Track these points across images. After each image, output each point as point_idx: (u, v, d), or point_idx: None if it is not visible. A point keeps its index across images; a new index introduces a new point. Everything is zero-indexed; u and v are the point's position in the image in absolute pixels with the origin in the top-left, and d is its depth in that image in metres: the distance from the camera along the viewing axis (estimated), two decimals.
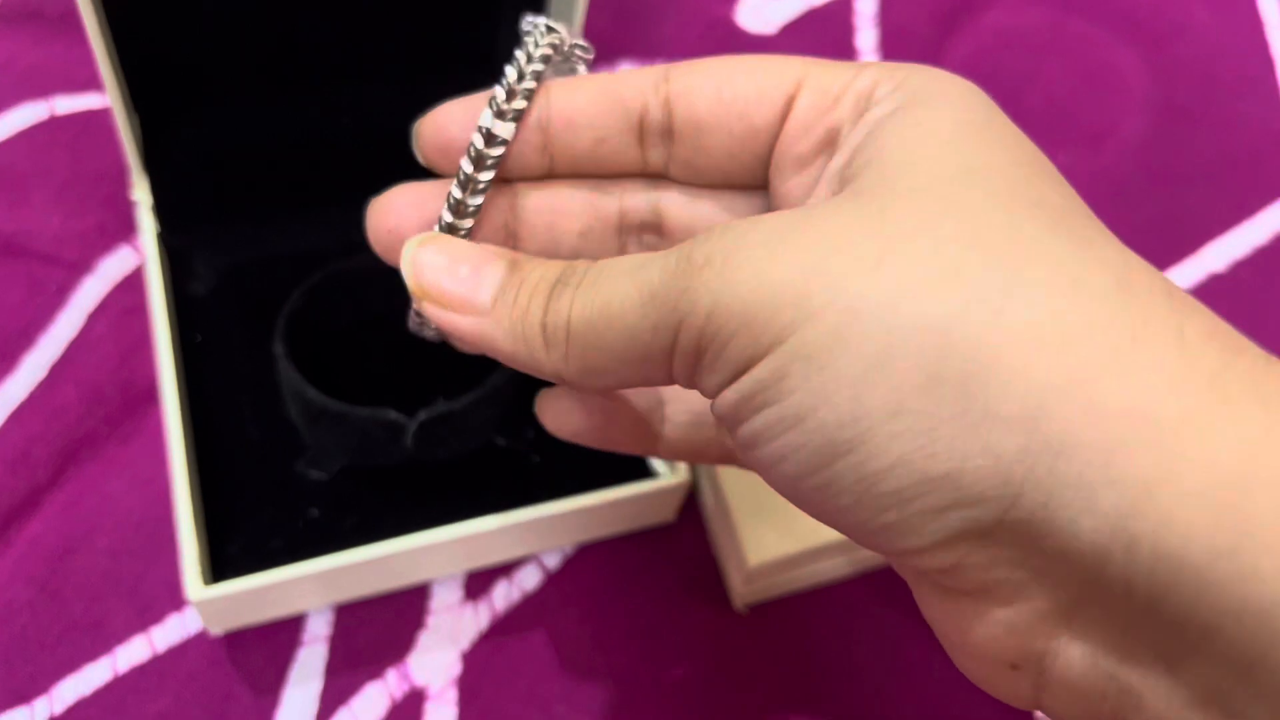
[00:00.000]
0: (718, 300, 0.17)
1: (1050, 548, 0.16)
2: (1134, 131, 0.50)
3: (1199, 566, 0.14)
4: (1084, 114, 0.50)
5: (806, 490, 0.18)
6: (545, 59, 0.23)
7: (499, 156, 0.23)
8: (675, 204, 0.24)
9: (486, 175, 0.23)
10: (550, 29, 0.23)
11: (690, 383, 0.19)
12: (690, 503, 0.37)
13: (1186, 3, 0.55)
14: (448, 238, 0.22)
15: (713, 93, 0.22)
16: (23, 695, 0.31)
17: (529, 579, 0.35)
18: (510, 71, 0.23)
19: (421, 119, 0.24)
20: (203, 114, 0.38)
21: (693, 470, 0.35)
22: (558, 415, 0.26)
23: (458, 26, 0.38)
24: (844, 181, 0.19)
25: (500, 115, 0.22)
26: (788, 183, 0.22)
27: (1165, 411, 0.15)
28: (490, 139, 0.22)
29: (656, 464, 0.36)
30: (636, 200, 0.24)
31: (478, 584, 0.35)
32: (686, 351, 0.18)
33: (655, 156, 0.23)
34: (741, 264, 0.17)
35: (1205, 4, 0.55)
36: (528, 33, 0.23)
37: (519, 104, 0.22)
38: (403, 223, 0.24)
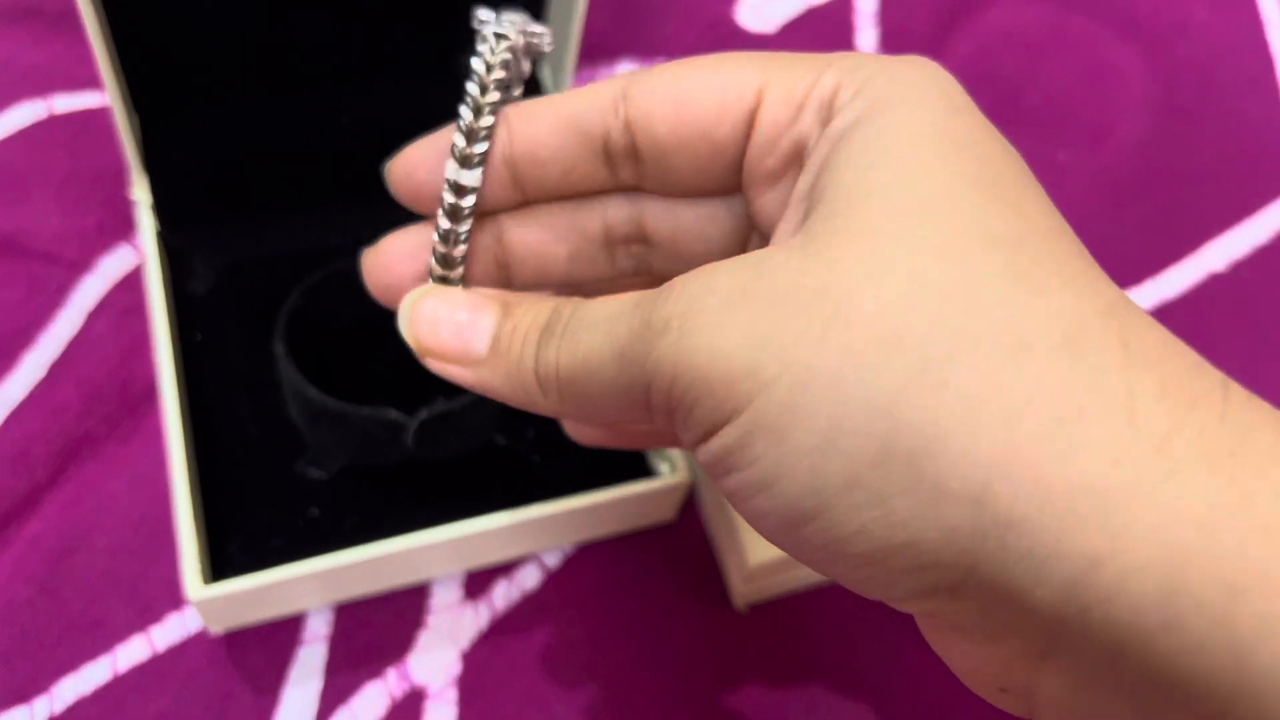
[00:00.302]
0: (678, 370, 0.18)
1: (1013, 606, 0.16)
2: (1134, 130, 0.50)
3: (1148, 636, 0.15)
4: (1084, 113, 0.50)
5: (787, 544, 0.18)
6: (502, 84, 0.22)
7: (472, 205, 0.23)
8: (656, 215, 0.24)
9: (465, 226, 0.23)
10: (500, 36, 0.22)
11: (671, 432, 0.20)
12: (690, 502, 0.37)
13: (1187, 1, 0.55)
14: (441, 289, 0.23)
15: (671, 115, 0.21)
16: (22, 694, 0.31)
17: (529, 578, 0.35)
18: (465, 112, 0.22)
19: (390, 163, 0.24)
20: (202, 113, 0.38)
21: (693, 470, 0.35)
22: (583, 427, 0.27)
23: (457, 25, 0.38)
24: (807, 211, 0.19)
25: (465, 163, 0.22)
26: (761, 198, 0.22)
27: (1111, 484, 0.15)
28: (459, 190, 0.22)
29: (657, 463, 0.36)
30: (619, 214, 0.24)
31: (478, 583, 0.35)
32: (659, 410, 0.19)
33: (626, 175, 0.23)
34: (699, 330, 0.18)
35: (1205, 3, 0.55)
36: (478, 53, 0.22)
37: (480, 147, 0.22)
38: (398, 273, 0.24)
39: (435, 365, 0.22)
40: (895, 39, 0.51)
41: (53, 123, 0.42)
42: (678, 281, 0.19)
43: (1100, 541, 0.15)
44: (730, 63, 0.21)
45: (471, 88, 0.22)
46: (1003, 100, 0.49)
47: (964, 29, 0.52)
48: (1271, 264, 0.47)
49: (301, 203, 0.38)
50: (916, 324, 0.16)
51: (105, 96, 0.34)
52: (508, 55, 0.22)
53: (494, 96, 0.22)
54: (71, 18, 0.34)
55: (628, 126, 0.22)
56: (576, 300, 0.21)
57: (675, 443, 0.27)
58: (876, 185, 0.18)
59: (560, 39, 0.39)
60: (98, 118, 0.42)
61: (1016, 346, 0.16)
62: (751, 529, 0.34)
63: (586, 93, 0.22)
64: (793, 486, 0.17)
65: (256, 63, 0.38)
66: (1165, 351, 0.16)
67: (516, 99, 0.23)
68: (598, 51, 0.48)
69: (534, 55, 0.23)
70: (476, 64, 0.22)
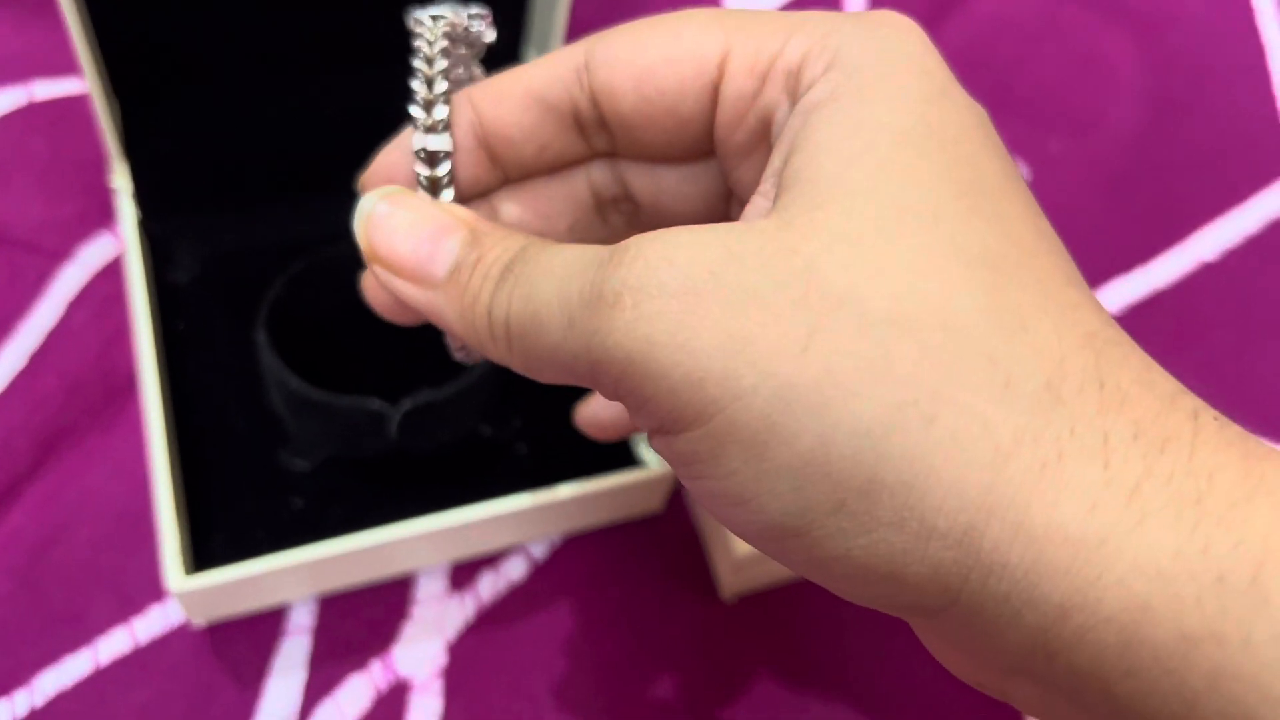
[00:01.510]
0: (631, 359, 0.17)
1: (987, 636, 0.16)
2: (1125, 119, 0.50)
3: (1107, 682, 0.15)
4: (1076, 101, 0.50)
5: (765, 550, 0.18)
6: (445, 52, 0.22)
7: (449, 172, 0.22)
8: (638, 178, 0.23)
9: (449, 195, 0.22)
10: (436, 17, 0.22)
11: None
12: (678, 493, 0.37)
13: None
14: (411, 194, 0.21)
15: (633, 90, 0.21)
16: (2, 687, 0.31)
17: (515, 569, 0.35)
18: (418, 86, 0.21)
19: (363, 178, 0.23)
20: (184, 100, 0.37)
21: None
22: (598, 427, 0.26)
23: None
24: (783, 190, 0.18)
25: (431, 130, 0.21)
26: (737, 170, 0.21)
27: (1086, 533, 0.15)
28: (432, 158, 0.21)
29: (644, 454, 0.35)
30: (602, 177, 0.24)
31: (463, 574, 0.35)
32: (606, 389, 0.18)
33: (600, 143, 0.23)
34: (656, 316, 0.16)
35: None
36: (417, 34, 0.22)
37: (440, 113, 0.21)
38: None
39: (381, 276, 0.20)
40: None
41: (32, 110, 0.41)
42: (632, 243, 0.17)
43: (1070, 593, 0.15)
44: (691, 26, 0.20)
45: (418, 63, 0.22)
46: (994, 88, 0.49)
47: (956, 16, 0.52)
48: (1262, 252, 0.47)
49: (284, 191, 0.38)
50: (904, 353, 0.16)
51: (85, 83, 0.33)
52: (448, 27, 0.22)
53: (441, 65, 0.21)
54: (51, 4, 0.33)
55: (593, 99, 0.21)
56: (547, 243, 0.20)
57: None
58: (858, 183, 0.17)
59: (545, 26, 0.39)
60: (78, 105, 0.41)
61: (1001, 386, 0.16)
62: None
63: (547, 64, 0.22)
64: (774, 504, 0.16)
65: (239, 50, 0.37)
66: (1140, 385, 0.16)
67: (477, 75, 0.23)
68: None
69: (471, 35, 0.23)
70: (420, 40, 0.22)
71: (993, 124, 0.19)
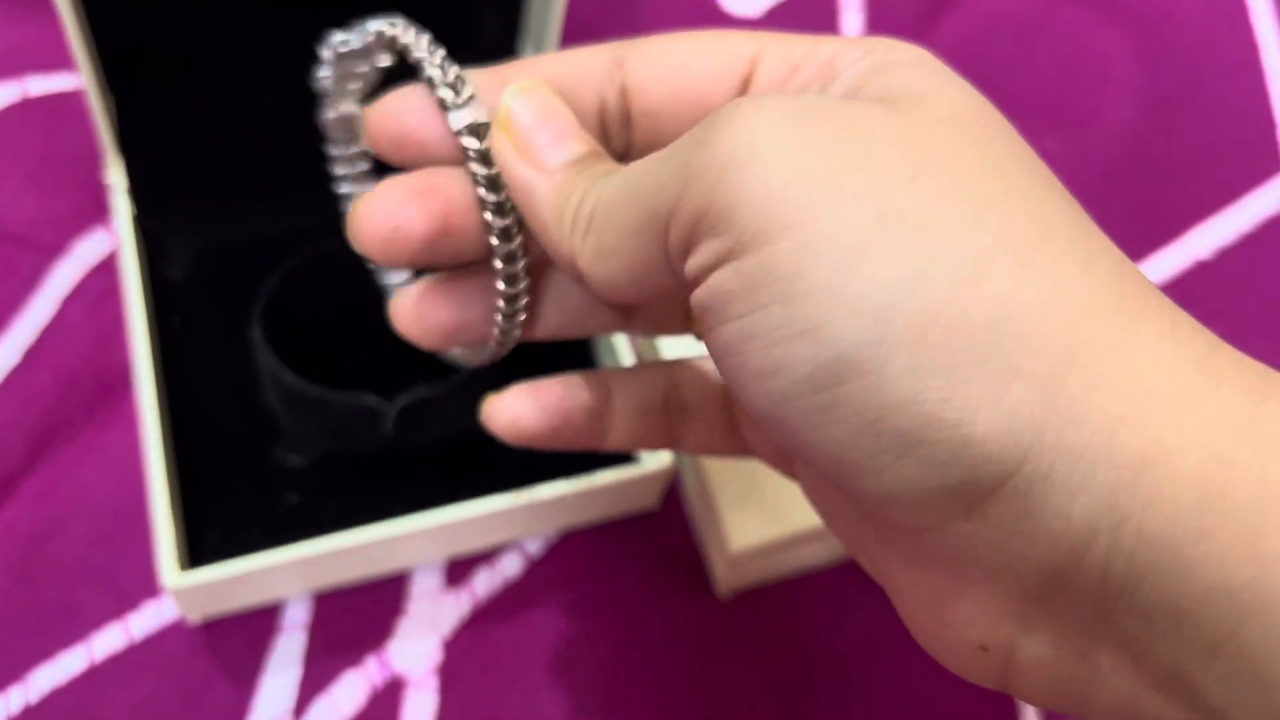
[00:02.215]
0: (735, 155, 0.16)
1: (1035, 529, 0.15)
2: (1121, 117, 0.50)
3: (1178, 547, 0.14)
4: (1071, 99, 0.50)
5: (792, 413, 0.16)
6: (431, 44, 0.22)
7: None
8: None
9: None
10: (393, 23, 0.22)
11: (683, 260, 0.17)
12: (673, 489, 0.37)
13: None
14: (553, 95, 0.22)
15: (668, 79, 0.21)
16: None
17: (511, 566, 0.35)
18: (434, 71, 0.22)
19: (369, 110, 0.23)
20: (179, 95, 0.37)
21: (676, 456, 0.35)
22: (509, 421, 0.25)
23: (437, 7, 0.38)
24: (861, 91, 0.19)
25: (467, 104, 0.22)
26: None
27: (1165, 388, 0.15)
28: (477, 131, 0.22)
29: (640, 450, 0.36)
30: None
31: (459, 571, 0.35)
32: (686, 215, 0.17)
33: (619, 142, 0.23)
34: (769, 125, 0.16)
35: None
36: (403, 44, 0.22)
37: (468, 91, 0.22)
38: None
39: (500, 143, 0.21)
40: (882, 23, 0.51)
41: (26, 105, 0.41)
42: (738, 105, 0.17)
43: (1151, 444, 0.15)
44: (729, 35, 0.21)
45: (426, 57, 0.22)
46: (990, 86, 0.49)
47: (951, 14, 0.52)
48: (1257, 250, 0.47)
49: (279, 186, 0.38)
50: (1002, 209, 0.16)
51: (80, 78, 0.33)
52: (408, 28, 0.22)
53: (442, 50, 0.22)
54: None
55: (623, 93, 0.22)
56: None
57: (601, 443, 0.26)
58: (946, 105, 0.18)
59: (542, 26, 0.39)
60: (72, 100, 0.41)
61: (1083, 257, 0.16)
62: (734, 516, 0.34)
63: (576, 60, 0.22)
64: (851, 328, 0.15)
65: (234, 45, 0.37)
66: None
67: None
68: (580, 38, 0.48)
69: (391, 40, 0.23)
70: (404, 42, 0.22)
71: None
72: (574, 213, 0.20)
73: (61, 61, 0.42)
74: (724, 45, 0.21)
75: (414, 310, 0.24)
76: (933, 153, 0.16)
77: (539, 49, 0.40)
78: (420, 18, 0.24)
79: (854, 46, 0.20)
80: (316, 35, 0.33)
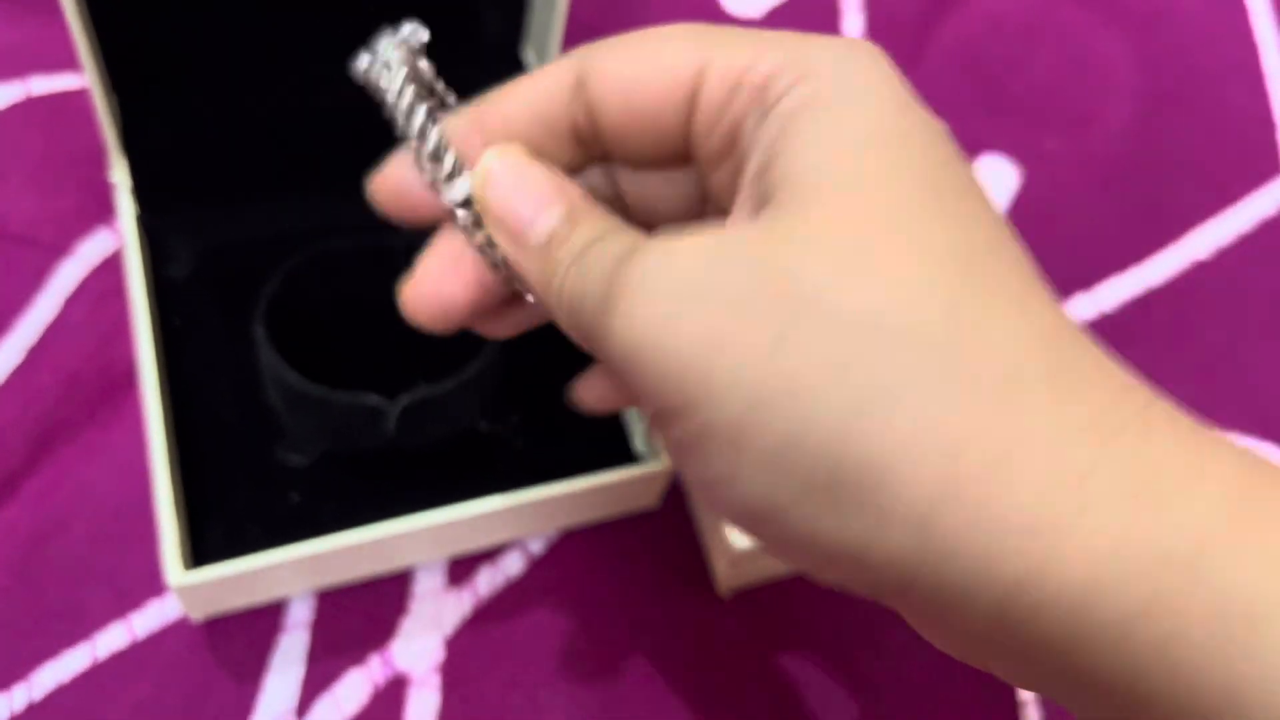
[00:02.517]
0: (625, 355, 0.19)
1: (948, 613, 0.18)
2: (1119, 118, 0.50)
3: (1060, 651, 0.17)
4: (1070, 100, 0.50)
5: (745, 531, 0.20)
6: (416, 92, 0.22)
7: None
8: (627, 181, 0.25)
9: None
10: (387, 63, 0.23)
11: None
12: (675, 489, 0.37)
13: None
14: (525, 158, 0.22)
15: (621, 102, 0.22)
16: (1, 682, 0.31)
17: (513, 565, 0.35)
18: (415, 140, 0.22)
19: (373, 182, 0.24)
20: (183, 95, 0.37)
21: None
22: (597, 399, 0.27)
23: (440, 7, 0.38)
24: (762, 196, 0.20)
25: (453, 176, 0.22)
26: (712, 175, 0.23)
27: (1036, 518, 0.16)
28: (469, 201, 0.22)
29: (641, 449, 0.36)
30: (598, 180, 0.25)
31: (461, 570, 0.35)
32: (616, 371, 0.20)
33: (597, 150, 0.24)
34: (646, 319, 0.19)
35: None
36: (380, 89, 0.23)
37: (450, 160, 0.22)
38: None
39: (492, 227, 0.22)
40: (882, 25, 0.51)
41: (30, 104, 0.41)
42: (644, 245, 0.20)
43: (1021, 573, 0.16)
44: (674, 41, 0.22)
45: (400, 118, 0.22)
46: (990, 87, 0.49)
47: (951, 15, 0.52)
48: (1255, 251, 0.47)
49: (282, 186, 0.38)
50: (867, 354, 0.17)
51: (84, 78, 0.33)
52: (403, 63, 0.23)
53: (421, 108, 0.22)
54: None
55: (589, 111, 0.22)
56: (621, 228, 0.21)
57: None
58: (833, 189, 0.18)
59: (544, 27, 0.39)
60: (76, 99, 0.41)
61: (958, 383, 0.17)
62: None
63: (542, 83, 0.23)
64: (750, 490, 0.18)
65: (238, 44, 0.37)
66: (1093, 380, 0.17)
67: (449, 103, 0.24)
68: (582, 39, 0.48)
69: (416, 47, 0.23)
70: (386, 93, 0.23)
71: (952, 138, 0.20)
72: (556, 297, 0.21)
73: (64, 61, 0.42)
74: (670, 60, 0.22)
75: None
76: (804, 297, 0.18)
77: (541, 50, 0.40)
78: (423, 18, 0.24)
79: (788, 69, 0.20)
80: (318, 36, 0.34)
